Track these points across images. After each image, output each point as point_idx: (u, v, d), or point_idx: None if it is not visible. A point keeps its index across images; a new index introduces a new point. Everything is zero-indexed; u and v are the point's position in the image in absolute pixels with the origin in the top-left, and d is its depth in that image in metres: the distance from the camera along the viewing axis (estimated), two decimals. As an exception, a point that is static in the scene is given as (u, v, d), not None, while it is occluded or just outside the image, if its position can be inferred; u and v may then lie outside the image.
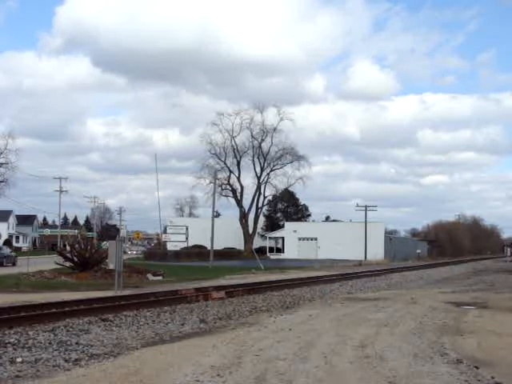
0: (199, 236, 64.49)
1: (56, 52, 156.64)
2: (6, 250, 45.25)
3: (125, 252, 28.32)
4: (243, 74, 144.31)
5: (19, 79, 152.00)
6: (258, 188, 75.33)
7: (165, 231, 75.64)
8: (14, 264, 40.85)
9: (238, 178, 75.24)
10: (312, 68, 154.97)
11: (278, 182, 75.43)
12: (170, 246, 73.01)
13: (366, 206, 71.13)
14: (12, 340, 9.38)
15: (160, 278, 28.39)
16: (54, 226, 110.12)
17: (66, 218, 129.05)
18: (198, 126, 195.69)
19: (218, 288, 19.52)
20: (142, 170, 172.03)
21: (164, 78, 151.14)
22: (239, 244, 73.44)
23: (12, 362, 7.85)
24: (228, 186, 74.71)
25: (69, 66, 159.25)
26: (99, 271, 26.86)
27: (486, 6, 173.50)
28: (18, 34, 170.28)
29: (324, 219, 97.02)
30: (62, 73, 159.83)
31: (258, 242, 76.86)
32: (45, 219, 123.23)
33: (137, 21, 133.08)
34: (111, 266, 19.48)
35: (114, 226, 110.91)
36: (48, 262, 31.22)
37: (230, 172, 74.66)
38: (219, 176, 69.16)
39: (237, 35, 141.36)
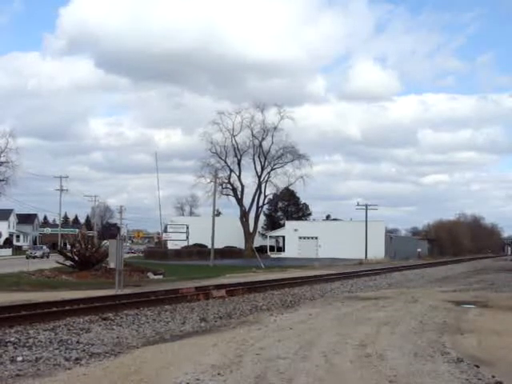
0: (200, 235, 64.51)
1: (60, 53, 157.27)
2: (46, 248, 67.99)
3: None
4: (246, 75, 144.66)
5: (23, 79, 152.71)
6: (259, 187, 75.34)
7: (165, 230, 75.68)
8: (47, 257, 57.08)
9: (239, 177, 75.31)
10: (314, 69, 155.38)
11: (279, 180, 75.48)
12: (171, 245, 73.04)
13: (366, 205, 71.11)
14: (12, 339, 9.37)
15: (161, 276, 28.42)
16: (54, 225, 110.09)
17: (66, 217, 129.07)
18: (200, 125, 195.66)
19: (219, 287, 19.52)
20: (143, 169, 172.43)
21: (167, 79, 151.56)
22: (240, 243, 73.44)
23: (13, 360, 7.85)
24: (229, 185, 74.75)
25: (72, 67, 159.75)
26: (100, 270, 26.88)
27: (485, 9, 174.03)
28: (22, 34, 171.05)
29: (325, 218, 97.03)
30: (66, 73, 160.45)
31: (258, 241, 76.86)
32: (45, 218, 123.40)
33: (140, 22, 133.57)
34: (112, 265, 19.49)
35: (115, 224, 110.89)
36: (48, 261, 31.24)
37: (231, 171, 74.73)
38: (220, 175, 69.33)
39: (240, 36, 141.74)
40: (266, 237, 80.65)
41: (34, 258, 56.31)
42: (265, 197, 76.86)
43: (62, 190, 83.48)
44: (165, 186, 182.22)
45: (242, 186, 75.51)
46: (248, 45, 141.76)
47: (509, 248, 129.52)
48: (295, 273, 34.49)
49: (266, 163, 75.47)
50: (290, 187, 78.35)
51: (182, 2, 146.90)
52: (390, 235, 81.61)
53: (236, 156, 74.78)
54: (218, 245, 56.31)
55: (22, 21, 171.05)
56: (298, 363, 7.72)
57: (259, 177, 75.31)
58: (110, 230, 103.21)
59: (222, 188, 72.56)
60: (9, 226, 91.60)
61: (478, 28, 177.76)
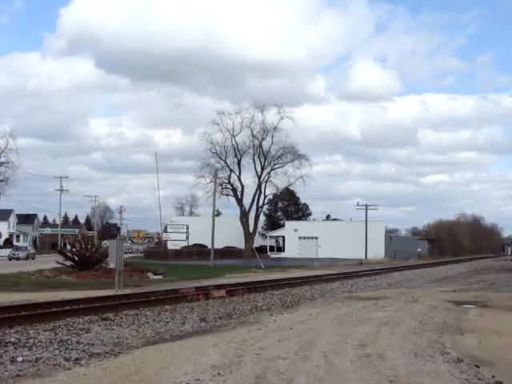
0: (200, 235, 64.50)
1: (60, 53, 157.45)
2: (31, 249, 64.19)
3: None
4: (246, 75, 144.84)
5: (24, 80, 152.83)
6: (259, 187, 75.30)
7: (165, 230, 75.72)
8: (33, 259, 53.35)
9: (239, 177, 75.25)
10: (314, 69, 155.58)
11: (279, 180, 75.42)
12: (171, 245, 73.04)
13: (366, 205, 71.10)
14: (13, 339, 9.37)
15: (160, 276, 28.41)
16: (54, 225, 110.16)
17: (66, 218, 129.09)
18: (200, 126, 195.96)
19: (219, 287, 19.52)
20: (143, 169, 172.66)
21: (167, 79, 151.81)
22: (240, 243, 73.44)
23: (13, 361, 7.85)
24: (228, 185, 74.70)
25: (73, 67, 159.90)
26: (99, 270, 26.86)
27: (485, 9, 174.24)
28: (23, 35, 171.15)
29: (325, 218, 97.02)
30: (66, 74, 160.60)
31: (258, 241, 76.85)
32: (45, 218, 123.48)
33: (140, 22, 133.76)
34: (112, 265, 19.48)
35: (115, 225, 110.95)
36: (48, 261, 31.26)
37: (231, 171, 74.67)
38: (220, 175, 69.25)
39: (240, 37, 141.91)
40: (266, 237, 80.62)
41: (18, 259, 50.93)
42: (265, 197, 76.92)
43: (61, 190, 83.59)
44: (165, 186, 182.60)
45: (242, 186, 75.56)
46: (248, 45, 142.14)
47: (509, 248, 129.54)
48: (295, 273, 34.49)
49: (266, 163, 75.51)
50: (290, 187, 78.36)
51: (182, 2, 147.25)
52: (390, 235, 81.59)
53: (236, 156, 74.81)
54: (218, 245, 56.29)
55: (23, 21, 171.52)
56: (298, 363, 7.72)
57: (259, 177, 75.36)
58: (110, 230, 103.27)
59: (222, 188, 72.57)
60: (9, 226, 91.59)
61: (478, 28, 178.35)
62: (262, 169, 75.53)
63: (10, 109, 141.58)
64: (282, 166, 75.03)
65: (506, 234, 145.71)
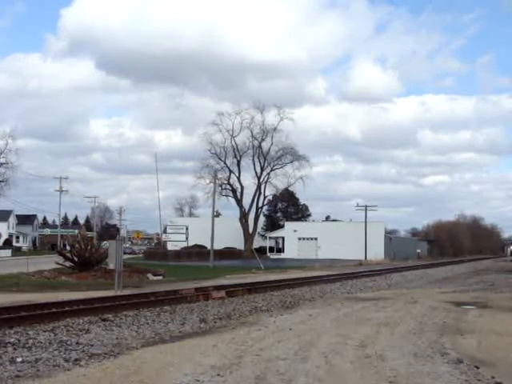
0: (199, 236, 64.46)
1: (61, 54, 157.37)
2: None
3: None
4: (246, 76, 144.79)
5: (25, 80, 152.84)
6: (258, 188, 75.31)
7: (165, 231, 75.65)
8: None
9: (238, 178, 75.26)
10: (314, 70, 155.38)
11: (279, 181, 75.41)
12: (171, 246, 73.00)
13: (366, 206, 71.08)
14: (12, 340, 9.37)
15: (160, 277, 28.38)
16: (54, 226, 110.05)
17: (66, 218, 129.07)
18: (200, 126, 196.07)
19: (219, 288, 19.51)
20: (144, 170, 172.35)
21: (168, 80, 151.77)
22: (239, 244, 73.43)
23: (12, 361, 7.84)
24: (228, 186, 74.71)
25: (73, 68, 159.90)
26: (99, 271, 26.84)
27: (485, 10, 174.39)
28: (24, 35, 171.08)
29: (324, 219, 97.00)
30: (67, 74, 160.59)
31: (258, 242, 76.81)
32: (45, 219, 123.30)
33: (141, 23, 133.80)
34: (111, 266, 19.47)
35: (114, 225, 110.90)
36: (48, 262, 31.23)
37: (230, 172, 74.68)
38: (219, 176, 69.17)
39: (240, 37, 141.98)
40: (266, 238, 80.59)
41: None
42: (264, 198, 76.91)
43: (61, 191, 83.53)
44: (165, 186, 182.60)
45: (242, 187, 75.55)
46: (248, 46, 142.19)
47: (509, 249, 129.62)
48: (295, 274, 34.47)
49: (266, 164, 75.51)
50: (290, 188, 78.39)
51: (183, 2, 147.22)
52: (390, 236, 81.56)
53: (235, 157, 74.82)
54: (218, 246, 56.26)
55: (24, 22, 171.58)
56: (297, 364, 7.71)
57: (259, 178, 75.35)
58: (110, 231, 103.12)
59: (222, 189, 72.55)
60: (8, 226, 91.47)
61: (478, 29, 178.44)
62: (262, 170, 75.63)
63: (10, 109, 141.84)
64: (281, 167, 75.15)
65: (505, 234, 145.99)
